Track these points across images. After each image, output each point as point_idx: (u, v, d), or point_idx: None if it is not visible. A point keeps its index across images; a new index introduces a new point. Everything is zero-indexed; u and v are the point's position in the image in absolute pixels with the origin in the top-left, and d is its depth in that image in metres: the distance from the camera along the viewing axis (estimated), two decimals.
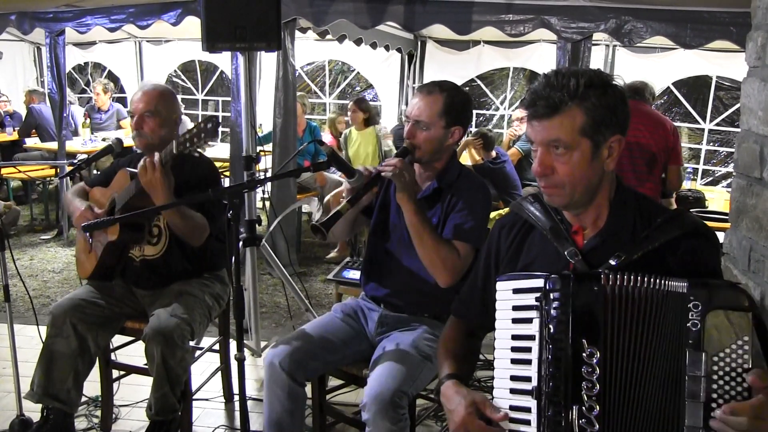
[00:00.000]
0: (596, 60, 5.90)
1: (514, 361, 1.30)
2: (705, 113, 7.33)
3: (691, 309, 1.18)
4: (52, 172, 6.27)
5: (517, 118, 5.71)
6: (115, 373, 2.64)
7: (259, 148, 3.24)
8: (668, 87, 7.08)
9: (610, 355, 1.22)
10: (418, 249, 1.97)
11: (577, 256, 1.36)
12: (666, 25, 3.89)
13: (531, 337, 1.28)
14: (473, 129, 5.76)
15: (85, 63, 9.42)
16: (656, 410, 1.20)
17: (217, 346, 2.84)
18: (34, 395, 2.33)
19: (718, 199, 4.76)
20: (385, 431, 1.79)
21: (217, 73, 9.47)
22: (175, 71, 8.95)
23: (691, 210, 4.24)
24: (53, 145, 5.94)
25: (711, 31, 3.83)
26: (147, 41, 8.11)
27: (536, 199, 1.48)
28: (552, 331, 1.24)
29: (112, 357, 2.61)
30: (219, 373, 2.87)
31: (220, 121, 2.01)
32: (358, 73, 9.25)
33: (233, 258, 2.00)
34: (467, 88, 7.16)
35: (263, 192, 5.37)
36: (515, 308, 1.32)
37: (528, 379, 1.27)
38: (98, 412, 2.66)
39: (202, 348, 2.83)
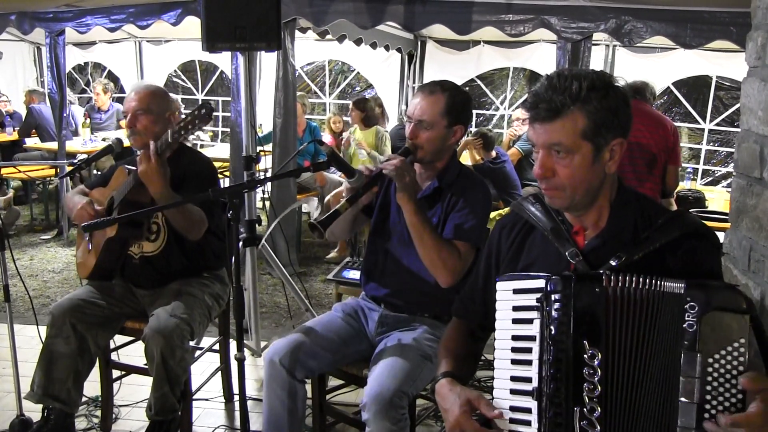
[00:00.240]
0: (596, 60, 5.90)
1: (514, 362, 1.30)
2: (705, 113, 7.33)
3: (687, 310, 1.18)
4: (52, 172, 6.27)
5: (517, 118, 5.71)
6: (115, 373, 2.64)
7: (259, 148, 3.24)
8: (668, 87, 7.07)
9: (612, 357, 1.22)
10: (418, 249, 1.97)
11: (578, 257, 1.35)
12: (666, 25, 3.89)
13: (532, 338, 1.28)
14: (473, 129, 5.76)
15: (85, 63, 9.42)
16: (656, 412, 1.20)
17: (217, 346, 2.84)
18: (34, 395, 2.33)
19: (718, 199, 4.75)
20: (385, 431, 1.79)
21: (217, 73, 9.47)
22: (175, 71, 8.95)
23: (691, 210, 4.24)
24: (53, 145, 5.94)
25: (711, 31, 3.83)
26: (147, 41, 8.11)
27: (537, 200, 1.48)
28: (553, 332, 1.24)
29: (112, 357, 2.61)
30: (219, 373, 2.87)
31: (214, 106, 2.04)
32: (358, 73, 9.25)
33: (233, 258, 2.00)
34: (467, 88, 7.13)
35: (263, 192, 5.38)
36: (516, 309, 1.32)
37: (528, 380, 1.27)
38: (98, 412, 2.66)
39: (202, 348, 2.83)
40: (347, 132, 5.80)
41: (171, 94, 5.78)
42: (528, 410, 1.27)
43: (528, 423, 1.26)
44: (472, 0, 4.19)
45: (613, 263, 1.31)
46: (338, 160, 2.02)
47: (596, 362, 1.21)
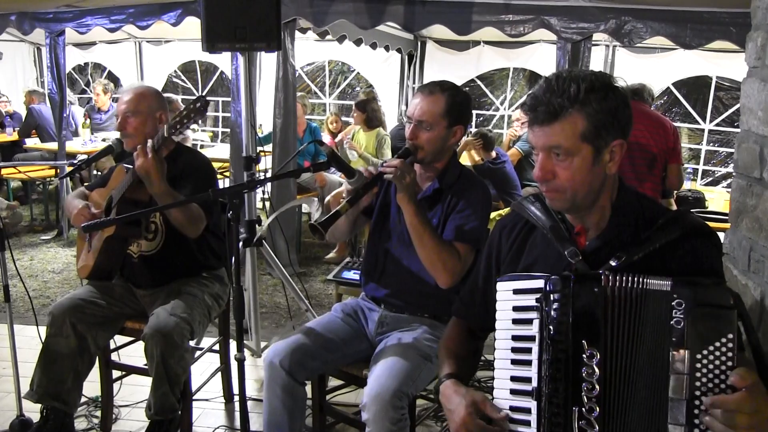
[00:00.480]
0: (596, 60, 5.90)
1: (514, 362, 1.30)
2: (705, 113, 7.33)
3: (675, 307, 1.18)
4: (52, 172, 6.27)
5: (517, 118, 5.71)
6: (115, 373, 2.64)
7: (259, 149, 3.24)
8: (668, 87, 7.08)
9: (610, 357, 1.22)
10: (418, 250, 1.97)
11: (578, 257, 1.35)
12: (666, 25, 3.89)
13: (531, 338, 1.28)
14: (473, 129, 5.76)
15: (85, 63, 9.43)
16: (650, 409, 1.20)
17: (217, 347, 2.84)
18: (34, 395, 2.33)
19: (718, 199, 4.75)
20: (385, 431, 1.79)
21: (217, 74, 9.48)
22: (175, 71, 8.95)
23: (691, 210, 4.24)
24: (53, 146, 5.94)
25: (711, 31, 3.83)
26: (147, 41, 8.11)
27: (537, 199, 1.48)
28: (552, 332, 1.24)
29: (112, 357, 2.61)
30: (219, 373, 2.87)
31: (209, 100, 2.07)
32: (358, 73, 9.25)
33: (233, 258, 2.00)
34: (467, 89, 7.15)
35: (263, 192, 5.37)
36: (515, 309, 1.32)
37: (528, 380, 1.27)
38: (98, 412, 2.66)
39: (202, 348, 2.83)
40: (347, 136, 5.79)
41: (171, 95, 5.77)
42: (528, 410, 1.27)
43: (528, 423, 1.27)
44: (472, 0, 4.19)
45: (613, 263, 1.31)
46: (338, 160, 2.02)
47: (595, 362, 1.21)
